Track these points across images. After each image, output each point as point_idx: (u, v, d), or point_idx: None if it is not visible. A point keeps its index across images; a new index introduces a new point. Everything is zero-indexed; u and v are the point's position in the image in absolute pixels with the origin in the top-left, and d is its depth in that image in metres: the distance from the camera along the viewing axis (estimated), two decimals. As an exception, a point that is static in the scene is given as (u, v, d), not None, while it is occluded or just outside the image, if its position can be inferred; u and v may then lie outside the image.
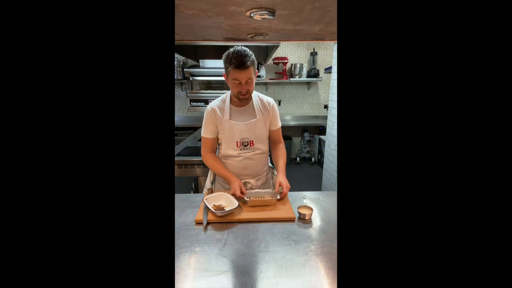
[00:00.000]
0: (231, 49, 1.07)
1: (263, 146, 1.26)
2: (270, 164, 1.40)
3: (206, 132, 1.22)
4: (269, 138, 1.32)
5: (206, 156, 1.25)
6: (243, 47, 1.08)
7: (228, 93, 1.23)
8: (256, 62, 1.11)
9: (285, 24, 0.82)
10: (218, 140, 1.26)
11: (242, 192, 1.08)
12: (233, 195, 1.08)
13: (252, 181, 1.24)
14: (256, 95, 1.24)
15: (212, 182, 1.34)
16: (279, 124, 1.30)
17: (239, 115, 1.20)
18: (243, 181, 1.23)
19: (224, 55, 1.09)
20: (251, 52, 1.08)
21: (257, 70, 1.14)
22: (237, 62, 1.03)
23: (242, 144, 1.21)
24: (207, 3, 0.63)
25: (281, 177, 1.14)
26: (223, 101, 1.22)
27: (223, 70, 1.16)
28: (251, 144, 1.22)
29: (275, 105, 1.27)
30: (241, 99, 1.15)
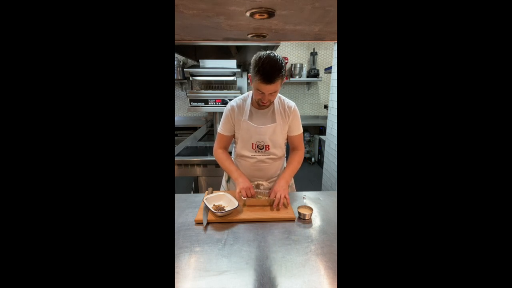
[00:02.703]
0: (263, 55, 0.98)
1: (279, 152, 1.22)
2: None
3: (221, 128, 1.21)
4: (288, 143, 1.26)
5: (217, 152, 1.23)
6: (276, 56, 0.98)
7: (250, 93, 1.19)
8: (285, 73, 1.03)
9: (285, 24, 0.82)
10: (234, 138, 1.25)
11: (247, 195, 1.06)
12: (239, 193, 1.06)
13: (265, 183, 1.22)
14: (278, 97, 1.18)
15: (228, 181, 1.34)
16: (300, 130, 1.22)
17: (258, 117, 1.17)
18: (255, 182, 1.21)
19: (254, 59, 1.01)
20: (283, 64, 0.98)
21: (284, 79, 1.06)
22: (265, 76, 0.95)
23: (258, 147, 1.19)
24: (207, 3, 0.63)
25: (278, 184, 1.10)
26: (244, 100, 1.18)
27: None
28: (267, 149, 1.19)
29: (297, 109, 1.20)
30: (261, 106, 1.12)
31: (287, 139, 1.25)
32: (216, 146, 1.25)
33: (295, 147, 1.26)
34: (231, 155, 1.32)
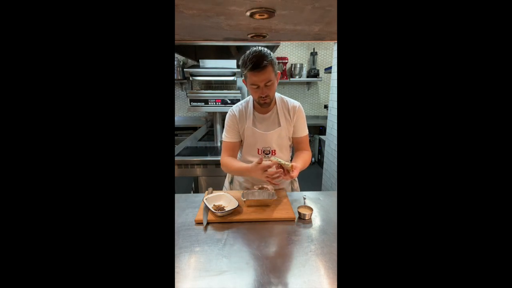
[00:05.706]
0: (247, 51, 0.99)
1: (285, 155, 1.19)
2: None
3: (226, 136, 1.16)
4: (293, 146, 1.22)
5: (222, 161, 1.15)
6: (259, 47, 0.99)
7: (250, 98, 1.17)
8: (275, 61, 1.02)
9: (285, 24, 0.82)
10: (240, 144, 1.20)
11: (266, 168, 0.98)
12: (267, 177, 0.98)
13: (269, 187, 1.21)
14: (280, 98, 1.16)
15: (231, 182, 1.32)
16: (306, 132, 1.18)
17: (262, 122, 1.14)
18: (260, 185, 1.19)
19: (240, 60, 1.01)
20: (269, 52, 0.98)
21: (278, 71, 1.05)
22: (253, 63, 0.95)
23: (264, 152, 1.17)
24: (207, 3, 0.63)
25: (295, 164, 1.02)
26: (246, 105, 1.16)
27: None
28: (273, 154, 1.16)
29: (302, 109, 1.16)
30: (262, 104, 1.07)
31: (292, 141, 1.21)
32: (222, 155, 1.18)
33: (300, 150, 1.20)
34: None
